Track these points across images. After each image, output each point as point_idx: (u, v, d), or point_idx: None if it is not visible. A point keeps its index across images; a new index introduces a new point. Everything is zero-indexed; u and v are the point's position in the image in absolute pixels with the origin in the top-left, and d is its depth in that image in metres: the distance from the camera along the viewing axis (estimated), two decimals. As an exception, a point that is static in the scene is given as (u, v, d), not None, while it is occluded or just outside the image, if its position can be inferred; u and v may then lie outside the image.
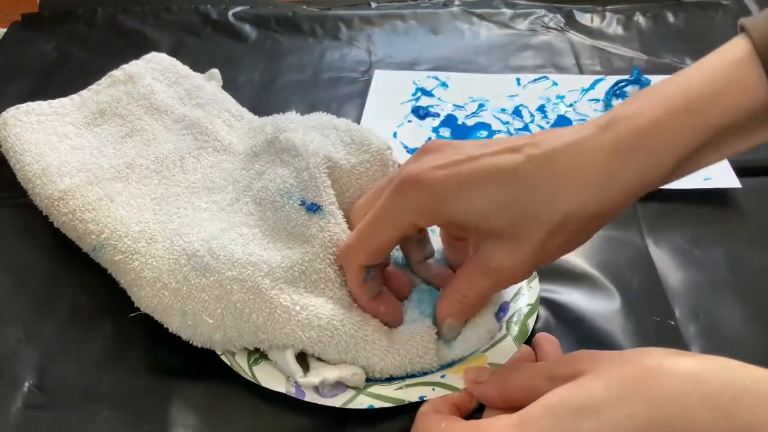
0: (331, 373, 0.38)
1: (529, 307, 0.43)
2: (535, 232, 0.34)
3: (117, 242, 0.45)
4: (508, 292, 0.44)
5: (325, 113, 0.47)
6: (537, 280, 0.44)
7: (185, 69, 0.60)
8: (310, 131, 0.45)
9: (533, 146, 0.34)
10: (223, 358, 0.40)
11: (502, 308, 0.43)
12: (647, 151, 0.33)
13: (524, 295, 0.43)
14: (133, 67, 0.59)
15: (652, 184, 0.34)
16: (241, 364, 0.40)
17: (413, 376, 0.39)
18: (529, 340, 0.41)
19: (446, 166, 0.35)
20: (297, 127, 0.46)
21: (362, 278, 0.39)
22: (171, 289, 0.41)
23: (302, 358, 0.40)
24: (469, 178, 0.34)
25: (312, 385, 0.38)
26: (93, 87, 0.58)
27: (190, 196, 0.48)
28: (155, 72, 0.59)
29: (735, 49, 0.33)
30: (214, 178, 0.49)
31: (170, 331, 0.41)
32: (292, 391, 0.38)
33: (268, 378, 0.39)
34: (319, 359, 0.39)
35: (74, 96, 0.58)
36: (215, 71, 0.61)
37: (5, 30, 0.73)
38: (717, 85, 0.33)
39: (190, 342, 0.41)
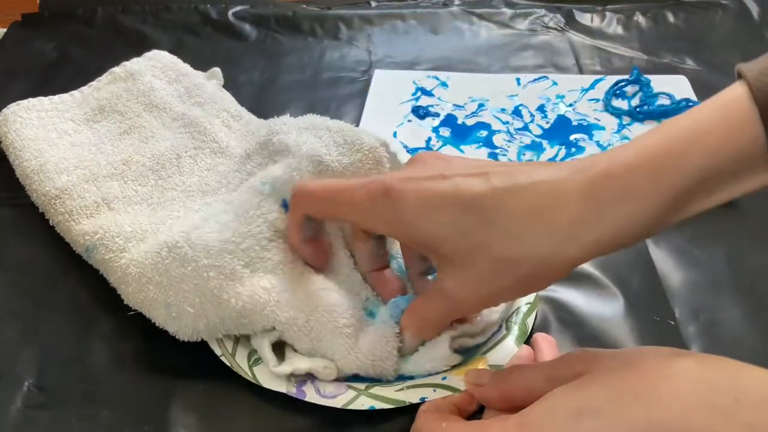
0: (303, 364, 0.38)
1: (528, 305, 0.43)
2: (485, 265, 0.32)
3: (109, 242, 0.45)
4: None
5: (318, 115, 0.47)
6: None
7: (186, 67, 0.60)
8: (303, 132, 0.45)
9: (503, 177, 0.32)
10: (223, 359, 0.40)
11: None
12: (625, 198, 0.30)
13: None
14: (134, 64, 0.59)
15: (632, 235, 0.31)
16: (241, 365, 0.40)
17: (417, 376, 0.39)
18: (529, 339, 0.41)
19: (416, 180, 0.34)
20: (290, 129, 0.46)
21: (301, 221, 0.40)
22: (155, 283, 0.41)
23: (281, 353, 0.40)
24: (431, 197, 0.33)
25: (284, 374, 0.38)
26: (94, 83, 0.59)
27: (185, 200, 0.49)
28: (156, 69, 0.59)
29: (726, 93, 0.31)
30: (209, 181, 0.50)
31: (157, 325, 0.41)
32: (293, 392, 0.38)
33: (269, 378, 0.39)
34: (295, 351, 0.39)
35: (75, 92, 0.58)
36: (217, 70, 0.61)
37: (5, 30, 0.73)
38: (701, 126, 0.31)
39: (176, 335, 0.41)
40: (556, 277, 0.33)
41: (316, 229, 0.41)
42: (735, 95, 0.31)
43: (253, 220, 0.42)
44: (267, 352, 0.39)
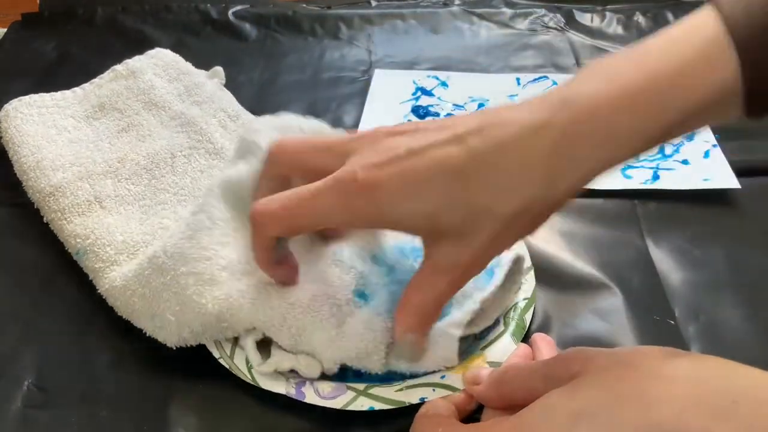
0: (285, 362, 0.38)
1: (526, 301, 0.43)
2: (489, 227, 0.32)
3: (100, 250, 0.45)
4: None
5: (294, 115, 0.46)
6: (533, 272, 0.44)
7: (187, 66, 0.60)
8: (273, 133, 0.44)
9: (479, 135, 0.31)
10: (222, 361, 0.40)
11: None
12: (610, 140, 0.31)
13: (521, 289, 0.43)
14: (135, 62, 0.59)
15: (611, 167, 0.32)
16: (240, 367, 0.40)
17: (414, 376, 0.39)
18: (527, 335, 0.41)
19: (386, 163, 0.32)
20: (261, 127, 0.45)
21: (272, 246, 0.37)
22: (139, 295, 0.42)
23: (268, 351, 0.40)
24: (413, 178, 0.32)
25: (267, 372, 0.38)
26: (96, 80, 0.59)
27: (176, 204, 0.49)
28: (157, 68, 0.59)
29: (701, 24, 0.31)
30: (201, 185, 0.50)
31: (147, 334, 0.42)
32: (292, 393, 0.38)
33: (268, 380, 0.39)
34: (280, 348, 0.39)
35: (77, 89, 0.59)
36: (219, 69, 0.61)
37: (5, 30, 0.73)
38: (681, 64, 0.31)
39: (165, 343, 0.41)
40: (552, 213, 0.34)
41: (285, 248, 0.38)
42: (712, 31, 0.31)
43: (233, 225, 0.42)
44: (251, 351, 0.39)
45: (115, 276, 0.43)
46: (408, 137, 0.33)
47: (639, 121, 0.31)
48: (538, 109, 0.32)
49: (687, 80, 0.31)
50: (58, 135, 0.54)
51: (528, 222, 0.33)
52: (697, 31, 0.31)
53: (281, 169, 0.38)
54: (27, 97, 0.56)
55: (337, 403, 0.38)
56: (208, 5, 0.75)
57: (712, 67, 0.31)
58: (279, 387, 0.39)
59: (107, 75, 0.59)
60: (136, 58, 0.60)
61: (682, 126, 0.32)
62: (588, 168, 0.32)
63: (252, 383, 0.39)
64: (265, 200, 0.35)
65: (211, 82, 0.59)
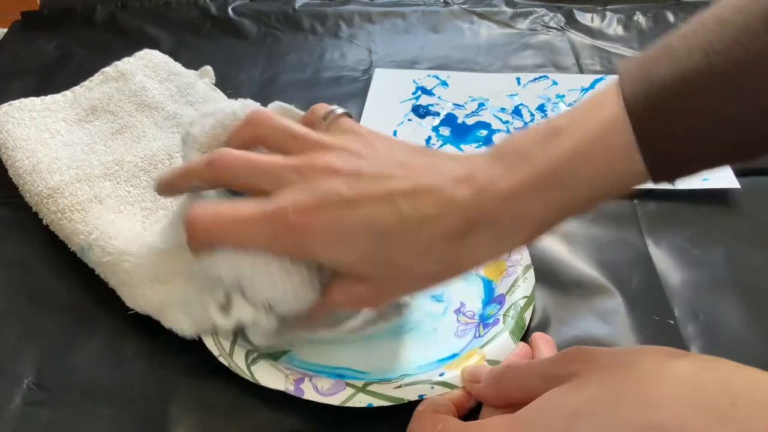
0: (242, 312, 0.37)
1: (525, 299, 0.43)
2: (403, 281, 0.35)
3: (105, 243, 0.45)
4: (504, 285, 0.44)
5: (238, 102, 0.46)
6: (532, 270, 0.45)
7: (177, 66, 0.60)
8: (204, 120, 0.43)
9: (409, 200, 0.33)
10: (221, 359, 0.40)
11: (498, 301, 0.43)
12: (522, 221, 0.32)
13: (520, 287, 0.43)
14: (125, 64, 0.59)
15: (523, 244, 0.35)
16: (239, 364, 0.40)
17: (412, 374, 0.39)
18: (527, 334, 0.41)
19: (319, 208, 0.33)
20: (195, 118, 0.44)
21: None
22: (162, 281, 0.42)
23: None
24: (341, 230, 0.33)
25: (227, 329, 0.38)
26: (85, 83, 0.59)
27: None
28: (147, 69, 0.59)
29: (605, 103, 0.31)
30: None
31: (165, 326, 0.41)
32: (290, 389, 0.38)
33: (267, 377, 0.39)
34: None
35: (67, 92, 0.58)
36: (208, 68, 0.61)
37: (5, 30, 0.73)
38: (586, 152, 0.31)
39: (183, 333, 0.41)
40: (465, 273, 0.36)
41: None
42: (614, 111, 0.31)
43: None
44: (215, 313, 0.38)
45: (133, 267, 0.43)
46: (343, 180, 0.33)
47: (542, 206, 0.32)
48: (461, 186, 0.33)
49: (588, 163, 0.31)
50: (52, 139, 0.54)
51: (439, 280, 0.35)
52: (601, 110, 0.32)
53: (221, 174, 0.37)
54: (17, 101, 0.56)
55: (335, 400, 0.38)
56: (208, 1, 0.75)
57: (611, 149, 0.31)
58: (278, 383, 0.39)
59: (97, 78, 0.59)
60: (126, 60, 0.60)
61: (591, 203, 0.33)
62: (496, 249, 0.34)
63: (251, 380, 0.39)
64: (203, 209, 0.35)
65: (202, 82, 0.59)
